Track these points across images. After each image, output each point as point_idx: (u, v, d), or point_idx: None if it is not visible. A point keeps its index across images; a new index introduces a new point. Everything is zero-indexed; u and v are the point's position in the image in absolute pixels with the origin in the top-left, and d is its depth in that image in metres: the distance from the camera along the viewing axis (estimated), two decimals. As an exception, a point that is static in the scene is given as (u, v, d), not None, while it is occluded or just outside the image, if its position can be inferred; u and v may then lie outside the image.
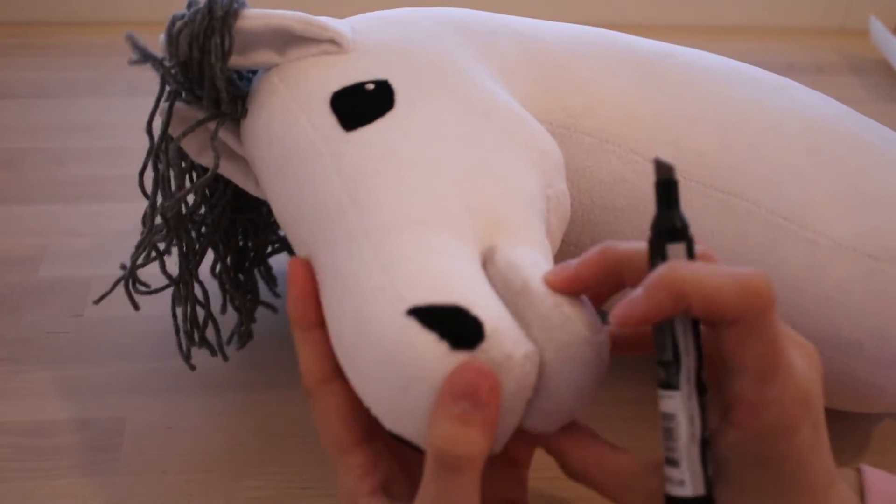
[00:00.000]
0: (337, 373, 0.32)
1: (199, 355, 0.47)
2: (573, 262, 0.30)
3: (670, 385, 0.29)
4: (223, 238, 0.45)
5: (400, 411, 0.29)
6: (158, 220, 0.43)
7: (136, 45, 0.37)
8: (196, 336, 0.46)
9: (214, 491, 0.42)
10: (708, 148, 0.41)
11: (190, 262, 0.44)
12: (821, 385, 0.28)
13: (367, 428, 0.32)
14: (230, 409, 0.46)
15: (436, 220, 0.32)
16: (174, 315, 0.46)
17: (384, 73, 0.37)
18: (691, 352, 0.28)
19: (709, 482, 0.29)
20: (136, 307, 0.45)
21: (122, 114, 0.71)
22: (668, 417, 0.29)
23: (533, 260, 0.31)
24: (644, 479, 0.30)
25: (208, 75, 0.37)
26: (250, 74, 0.41)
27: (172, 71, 0.38)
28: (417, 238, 0.31)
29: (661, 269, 0.27)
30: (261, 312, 0.52)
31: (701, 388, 0.29)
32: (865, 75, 0.85)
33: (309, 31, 0.37)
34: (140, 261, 0.44)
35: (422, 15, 0.41)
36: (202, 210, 0.44)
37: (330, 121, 0.35)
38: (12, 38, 0.83)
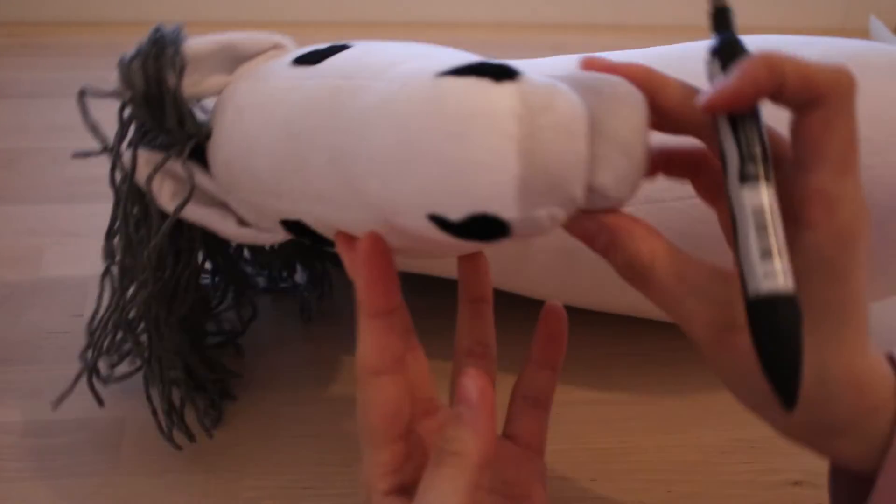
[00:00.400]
0: (391, 367, 0.32)
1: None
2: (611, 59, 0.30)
3: (758, 177, 0.27)
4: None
5: (466, 171, 0.27)
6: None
7: (85, 109, 0.41)
8: (174, 418, 0.43)
9: (214, 491, 0.42)
10: None
11: (162, 337, 0.42)
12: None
13: (403, 429, 0.32)
14: (230, 409, 0.46)
15: (466, 53, 0.31)
16: (148, 397, 0.43)
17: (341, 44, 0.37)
18: (769, 149, 0.28)
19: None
20: (101, 403, 0.44)
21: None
22: (759, 211, 0.27)
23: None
24: (713, 283, 0.29)
25: (168, 95, 0.37)
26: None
27: (133, 102, 0.39)
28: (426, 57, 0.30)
29: (754, 54, 0.27)
30: (267, 316, 0.52)
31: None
32: (865, 75, 0.85)
33: (253, 43, 0.38)
34: (104, 346, 0.42)
35: None
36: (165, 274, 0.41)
37: (295, 69, 0.35)
38: (12, 38, 0.83)
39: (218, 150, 0.38)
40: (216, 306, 0.49)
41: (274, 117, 0.34)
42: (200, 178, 0.39)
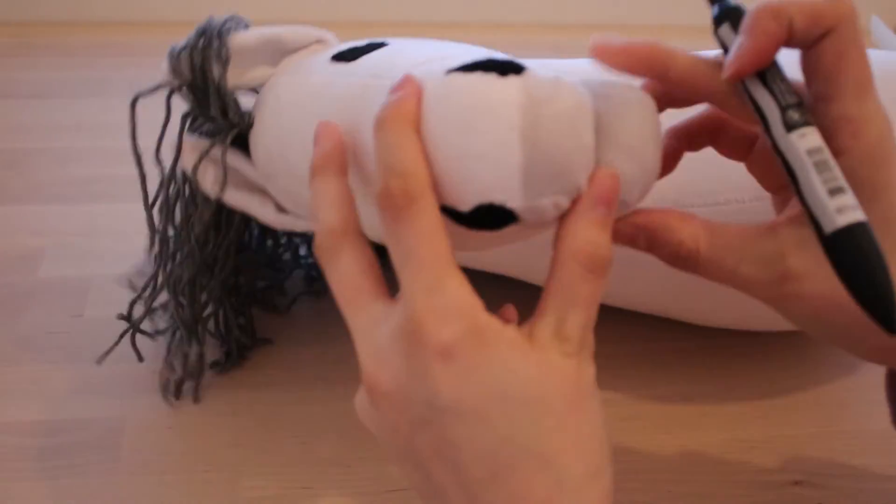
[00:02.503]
0: (355, 226, 0.30)
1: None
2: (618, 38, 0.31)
3: (806, 123, 0.28)
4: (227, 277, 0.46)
5: (472, 163, 0.28)
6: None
7: (135, 100, 0.41)
8: (196, 375, 0.46)
9: (214, 491, 0.42)
10: None
11: (195, 302, 0.45)
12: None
13: (382, 284, 0.31)
14: (230, 409, 0.46)
15: (477, 49, 0.32)
16: (169, 350, 0.46)
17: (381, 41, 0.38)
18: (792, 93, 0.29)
19: None
20: (141, 358, 0.47)
21: (122, 114, 0.70)
22: (816, 151, 0.28)
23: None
24: (758, 243, 0.30)
25: (213, 85, 0.39)
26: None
27: (181, 91, 0.40)
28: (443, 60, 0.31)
29: (757, 8, 0.28)
30: (267, 316, 0.52)
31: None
32: (866, 75, 0.85)
33: (298, 38, 0.40)
34: (144, 307, 0.45)
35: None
36: (209, 247, 0.44)
37: (333, 66, 0.36)
38: (12, 38, 0.83)
39: (259, 139, 0.40)
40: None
41: (309, 111, 0.36)
42: (242, 165, 0.41)
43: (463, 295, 0.27)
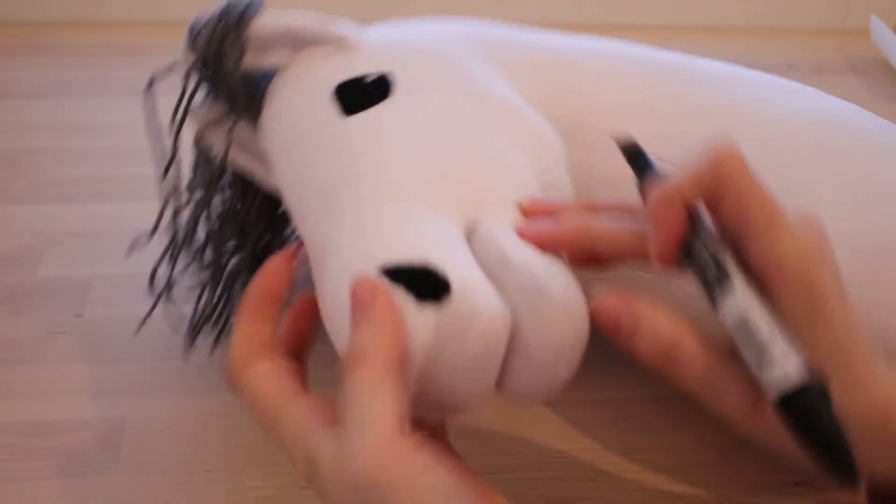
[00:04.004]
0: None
1: (199, 356, 0.47)
2: (548, 222, 0.31)
3: (725, 289, 0.28)
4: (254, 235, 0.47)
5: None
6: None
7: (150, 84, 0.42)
8: (220, 324, 0.47)
9: (215, 491, 0.42)
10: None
11: (221, 261, 0.46)
12: (827, 241, 0.29)
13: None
14: (230, 409, 0.46)
15: (420, 193, 0.33)
16: (196, 304, 0.46)
17: (386, 66, 0.38)
18: (725, 251, 0.29)
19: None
20: (176, 325, 0.47)
21: (121, 114, 0.71)
22: (740, 325, 0.28)
23: (512, 230, 0.32)
24: (737, 358, 0.29)
25: (223, 78, 0.39)
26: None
27: (195, 67, 0.40)
28: (399, 208, 0.32)
29: (654, 197, 0.29)
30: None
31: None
32: (866, 75, 0.85)
33: (318, 35, 0.39)
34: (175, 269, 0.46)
35: (433, 23, 0.43)
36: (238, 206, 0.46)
37: (332, 109, 0.37)
38: (12, 38, 0.83)
39: (263, 134, 0.40)
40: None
41: (296, 159, 0.37)
42: (251, 133, 0.42)
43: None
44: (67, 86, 0.75)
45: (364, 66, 0.38)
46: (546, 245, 0.31)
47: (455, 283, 0.29)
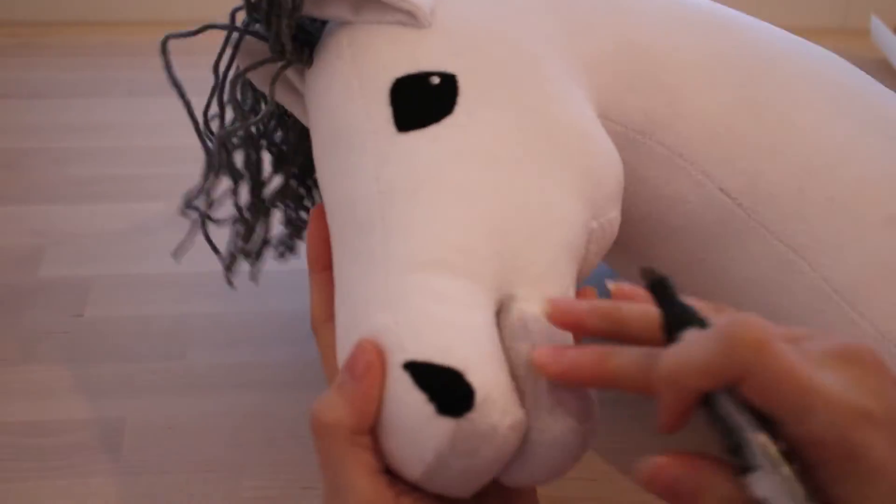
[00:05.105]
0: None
1: (200, 357, 0.48)
2: (579, 354, 0.29)
3: (750, 468, 0.26)
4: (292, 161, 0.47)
5: (387, 450, 0.30)
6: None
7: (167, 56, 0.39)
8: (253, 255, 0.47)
9: (214, 491, 0.42)
10: (783, 191, 0.38)
11: (258, 187, 0.45)
12: (880, 379, 0.26)
13: None
14: (230, 409, 0.46)
15: (459, 261, 0.31)
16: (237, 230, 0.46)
17: (453, 64, 0.34)
18: (751, 424, 0.26)
19: None
20: (216, 249, 0.45)
21: (122, 114, 0.71)
22: (767, 501, 0.25)
23: (547, 326, 0.31)
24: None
25: (275, 26, 0.36)
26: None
27: (248, 9, 0.37)
28: (434, 280, 0.30)
29: (661, 382, 0.28)
30: (266, 316, 0.52)
31: (787, 455, 0.26)
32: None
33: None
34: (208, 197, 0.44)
35: None
36: (278, 134, 0.45)
37: (385, 114, 0.34)
38: (12, 38, 0.83)
39: (307, 90, 0.39)
40: None
41: (336, 155, 0.36)
42: (293, 76, 0.41)
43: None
44: (68, 86, 0.75)
45: (429, 61, 0.34)
46: (566, 377, 0.30)
47: (479, 396, 0.28)
